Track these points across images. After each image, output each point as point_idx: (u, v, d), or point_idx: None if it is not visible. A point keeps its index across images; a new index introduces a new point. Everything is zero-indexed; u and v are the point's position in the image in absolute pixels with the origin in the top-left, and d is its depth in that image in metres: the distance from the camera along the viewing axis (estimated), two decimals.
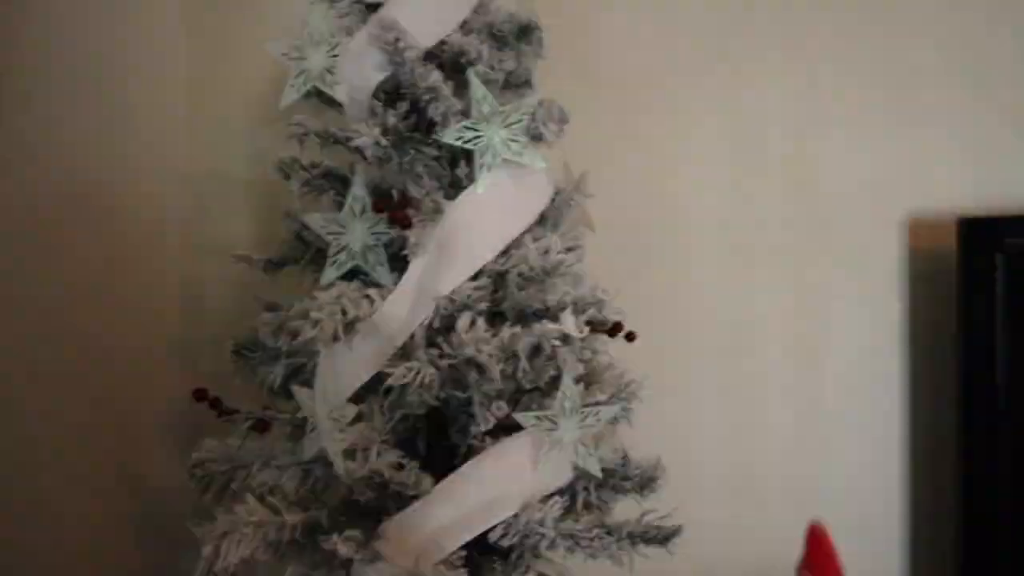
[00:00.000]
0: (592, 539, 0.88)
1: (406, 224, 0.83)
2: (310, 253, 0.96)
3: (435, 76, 0.86)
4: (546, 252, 0.87)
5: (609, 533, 0.89)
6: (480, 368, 0.79)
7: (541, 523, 0.83)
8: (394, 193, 0.88)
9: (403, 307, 0.87)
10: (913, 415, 1.18)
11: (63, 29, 1.11)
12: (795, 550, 0.92)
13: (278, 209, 1.29)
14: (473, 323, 0.81)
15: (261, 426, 0.90)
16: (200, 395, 0.92)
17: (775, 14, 1.21)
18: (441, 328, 0.85)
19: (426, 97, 0.87)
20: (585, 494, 0.95)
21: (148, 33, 1.28)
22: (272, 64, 1.28)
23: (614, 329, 0.93)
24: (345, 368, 0.86)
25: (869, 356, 1.20)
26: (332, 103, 0.96)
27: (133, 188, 1.24)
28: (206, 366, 1.31)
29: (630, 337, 0.95)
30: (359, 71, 0.92)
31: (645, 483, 0.97)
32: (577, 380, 0.88)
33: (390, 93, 0.94)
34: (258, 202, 1.33)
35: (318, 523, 0.90)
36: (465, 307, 0.84)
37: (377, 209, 0.85)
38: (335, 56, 0.92)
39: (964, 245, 1.07)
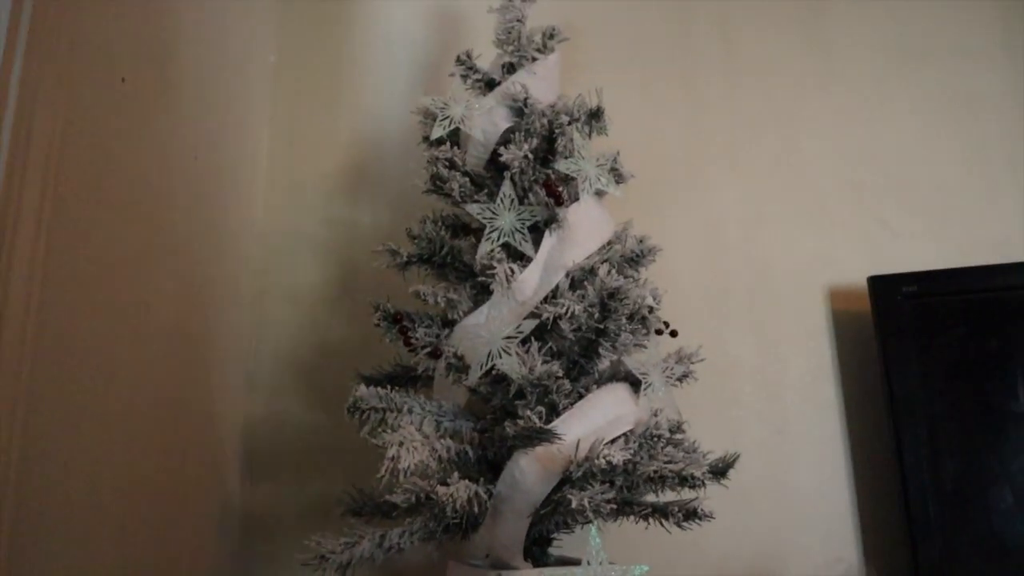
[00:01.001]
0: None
1: (560, 200, 1.14)
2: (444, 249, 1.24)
3: (563, 119, 1.23)
4: (641, 241, 1.21)
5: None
6: (619, 297, 1.09)
7: (656, 427, 1.09)
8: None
9: (536, 274, 1.16)
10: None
11: (178, 118, 1.27)
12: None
13: (337, 263, 1.56)
14: (610, 271, 1.11)
15: (435, 353, 1.11)
16: (398, 319, 1.12)
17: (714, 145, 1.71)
18: (579, 282, 1.15)
19: (556, 133, 1.22)
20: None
21: (239, 120, 1.55)
22: (338, 148, 1.62)
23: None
24: (503, 315, 1.12)
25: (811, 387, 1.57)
26: (457, 145, 1.29)
27: (216, 241, 1.44)
28: (269, 391, 1.49)
29: (674, 334, 1.29)
30: (490, 119, 1.27)
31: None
32: None
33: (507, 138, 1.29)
34: (322, 257, 1.57)
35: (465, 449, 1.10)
36: (592, 271, 1.15)
37: (545, 185, 1.16)
38: (470, 110, 1.27)
39: (873, 295, 1.51)
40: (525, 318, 1.11)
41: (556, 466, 1.05)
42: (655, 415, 1.14)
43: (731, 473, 1.23)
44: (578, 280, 1.16)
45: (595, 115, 1.34)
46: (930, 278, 1.50)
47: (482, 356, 1.08)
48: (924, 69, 1.74)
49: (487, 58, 1.37)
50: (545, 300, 1.14)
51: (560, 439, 1.03)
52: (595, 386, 1.16)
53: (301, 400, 1.49)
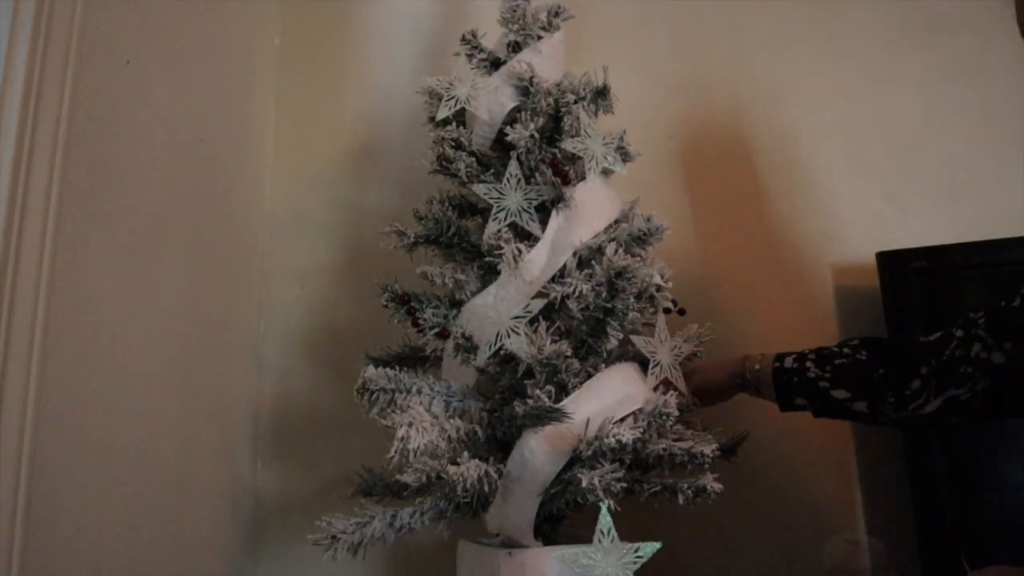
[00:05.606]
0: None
1: (566, 179, 1.14)
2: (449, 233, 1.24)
3: (569, 97, 1.22)
4: (648, 219, 1.21)
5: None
6: (627, 276, 1.08)
7: (665, 405, 1.09)
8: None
9: (543, 254, 1.16)
10: None
11: (184, 101, 1.28)
12: None
13: (344, 244, 1.56)
14: (617, 250, 1.11)
15: (443, 334, 1.11)
16: (405, 300, 1.12)
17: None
18: (586, 261, 1.14)
19: (562, 111, 1.21)
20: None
21: (244, 102, 1.55)
22: (344, 129, 1.61)
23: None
24: (510, 295, 1.12)
25: None
26: (463, 125, 1.28)
27: (223, 223, 1.44)
28: (278, 372, 1.49)
29: (682, 312, 1.29)
30: (496, 99, 1.26)
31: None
32: None
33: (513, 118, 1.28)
34: (330, 238, 1.57)
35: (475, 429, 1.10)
36: (599, 250, 1.15)
37: (552, 164, 1.15)
38: (475, 89, 1.26)
39: (882, 270, 1.50)
40: (533, 298, 1.11)
41: (566, 445, 1.05)
42: (663, 393, 1.14)
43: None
44: (585, 259, 1.16)
45: (601, 93, 1.33)
46: (939, 253, 1.49)
47: (490, 336, 1.08)
48: (931, 43, 1.72)
49: (492, 37, 1.36)
50: (553, 280, 1.14)
51: (569, 418, 1.03)
52: (604, 365, 1.17)
53: (310, 381, 1.50)
